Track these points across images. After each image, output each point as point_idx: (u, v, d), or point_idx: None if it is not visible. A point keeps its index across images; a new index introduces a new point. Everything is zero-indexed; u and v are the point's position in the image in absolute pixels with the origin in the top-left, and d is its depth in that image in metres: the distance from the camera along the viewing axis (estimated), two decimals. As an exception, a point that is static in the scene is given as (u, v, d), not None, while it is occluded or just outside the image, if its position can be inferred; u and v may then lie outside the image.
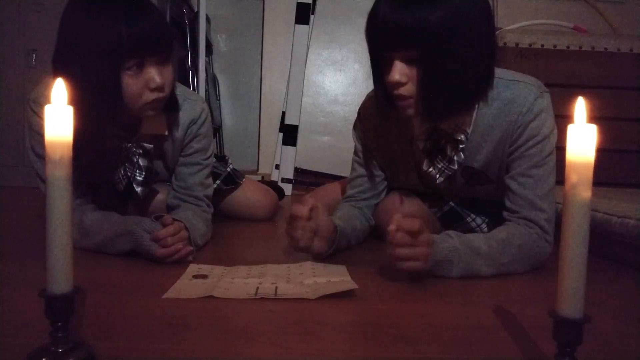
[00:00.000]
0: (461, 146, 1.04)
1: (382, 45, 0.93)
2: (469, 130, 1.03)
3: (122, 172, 1.12)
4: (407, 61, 0.92)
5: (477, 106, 1.02)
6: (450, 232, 0.95)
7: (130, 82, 0.97)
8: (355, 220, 1.18)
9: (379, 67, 0.97)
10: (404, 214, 0.88)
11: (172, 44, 1.01)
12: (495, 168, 1.07)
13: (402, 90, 0.94)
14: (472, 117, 1.03)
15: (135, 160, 1.12)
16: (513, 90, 1.00)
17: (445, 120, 1.01)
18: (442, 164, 1.06)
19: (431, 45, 0.87)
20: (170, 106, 1.10)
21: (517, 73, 1.04)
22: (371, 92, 1.20)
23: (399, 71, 0.92)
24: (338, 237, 1.04)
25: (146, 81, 0.98)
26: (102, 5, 0.94)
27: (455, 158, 1.05)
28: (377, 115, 1.08)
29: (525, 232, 0.98)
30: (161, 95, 1.01)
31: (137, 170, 1.12)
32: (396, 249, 0.86)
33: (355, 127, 1.26)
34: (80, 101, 0.79)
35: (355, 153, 1.26)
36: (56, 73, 0.96)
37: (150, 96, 1.00)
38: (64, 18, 0.97)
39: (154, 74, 0.98)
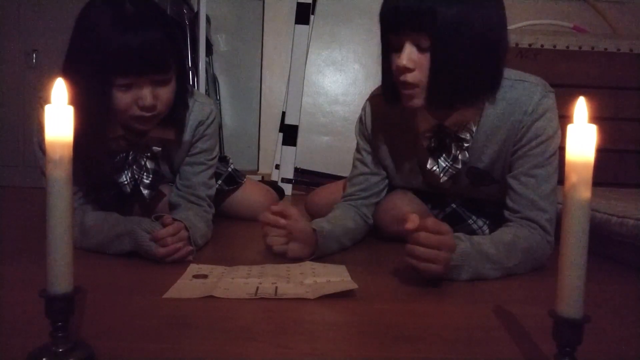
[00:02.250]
0: (466, 145, 1.03)
1: (394, 27, 0.92)
2: (474, 130, 1.03)
3: (129, 174, 1.12)
4: (418, 48, 0.92)
5: (484, 106, 1.01)
6: (460, 234, 0.92)
7: (121, 97, 0.97)
8: (349, 221, 1.17)
9: (389, 52, 0.97)
10: (423, 217, 0.84)
11: (168, 66, 1.00)
12: (500, 168, 1.06)
13: (409, 77, 0.93)
14: (479, 116, 1.02)
15: (143, 162, 1.12)
16: (518, 89, 1.00)
17: (450, 115, 1.00)
18: (446, 163, 1.06)
19: (445, 32, 0.88)
20: (175, 119, 1.11)
21: (522, 72, 1.03)
22: (376, 89, 1.19)
23: (408, 56, 0.92)
24: (322, 241, 1.03)
25: (137, 98, 0.98)
26: (104, 18, 0.93)
27: (459, 157, 1.05)
28: (382, 112, 1.07)
29: (529, 235, 0.97)
30: (149, 114, 1.00)
31: (145, 173, 1.13)
32: (417, 248, 0.83)
33: (359, 122, 1.24)
34: (77, 106, 0.79)
35: (358, 151, 1.25)
36: (63, 72, 0.97)
37: (137, 112, 0.99)
38: (76, 21, 0.97)
39: (146, 94, 0.97)
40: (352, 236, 1.18)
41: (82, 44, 0.96)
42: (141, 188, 1.13)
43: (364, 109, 1.22)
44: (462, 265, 0.89)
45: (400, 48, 0.93)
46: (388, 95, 1.02)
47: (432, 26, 0.88)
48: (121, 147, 1.09)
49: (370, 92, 1.23)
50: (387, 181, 1.25)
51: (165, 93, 1.01)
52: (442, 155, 1.06)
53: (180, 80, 1.06)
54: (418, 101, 0.96)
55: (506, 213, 1.03)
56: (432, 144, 1.06)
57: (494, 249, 0.93)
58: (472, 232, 1.19)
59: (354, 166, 1.26)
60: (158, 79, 0.99)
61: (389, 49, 0.97)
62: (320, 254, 1.04)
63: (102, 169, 1.10)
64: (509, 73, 1.02)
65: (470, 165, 1.07)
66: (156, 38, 0.94)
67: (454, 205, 1.22)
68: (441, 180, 1.07)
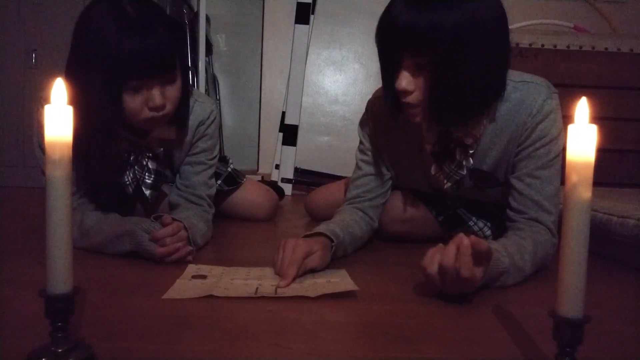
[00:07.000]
0: (471, 151, 1.02)
1: (392, 47, 0.90)
2: (479, 135, 1.02)
3: (131, 175, 1.12)
4: (417, 66, 0.89)
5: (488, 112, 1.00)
6: (499, 247, 0.87)
7: (130, 100, 0.98)
8: (356, 227, 1.11)
9: (389, 70, 0.94)
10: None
11: (174, 64, 1.01)
12: (504, 169, 1.05)
13: (410, 99, 0.91)
14: (483, 121, 1.00)
15: (144, 163, 1.12)
16: (522, 91, 0.98)
17: (454, 127, 0.99)
18: (450, 169, 1.04)
19: (443, 51, 0.85)
20: (178, 118, 1.11)
21: (525, 74, 1.02)
22: (377, 91, 1.17)
23: (406, 79, 0.89)
24: (335, 249, 0.98)
25: (146, 100, 0.99)
26: (108, 23, 0.93)
27: (464, 163, 1.03)
28: (385, 115, 1.05)
29: (543, 241, 0.96)
30: (160, 114, 1.01)
31: (147, 174, 1.13)
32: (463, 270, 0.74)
33: (362, 122, 1.21)
34: (87, 112, 0.79)
35: (362, 151, 1.21)
36: (67, 79, 0.97)
37: (149, 113, 1.00)
38: (77, 26, 0.97)
39: (155, 94, 0.98)
40: (357, 245, 1.13)
41: (86, 50, 0.95)
42: (143, 188, 1.13)
43: (368, 109, 1.19)
44: (498, 278, 0.87)
45: (399, 66, 0.90)
46: (391, 107, 0.99)
47: (430, 47, 0.85)
48: (123, 148, 1.09)
49: (370, 92, 1.22)
50: (391, 181, 1.22)
51: (173, 91, 1.03)
52: (446, 161, 1.04)
53: (183, 78, 1.07)
54: (421, 118, 0.95)
55: (510, 213, 1.02)
56: (437, 149, 1.05)
57: (522, 261, 0.90)
58: (473, 234, 1.18)
59: (357, 167, 1.21)
60: (166, 77, 1.00)
61: (388, 65, 0.94)
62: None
63: (105, 170, 1.10)
64: (512, 74, 0.99)
65: (474, 167, 1.06)
66: (162, 39, 0.95)
67: (455, 208, 1.22)
68: (445, 187, 1.06)
